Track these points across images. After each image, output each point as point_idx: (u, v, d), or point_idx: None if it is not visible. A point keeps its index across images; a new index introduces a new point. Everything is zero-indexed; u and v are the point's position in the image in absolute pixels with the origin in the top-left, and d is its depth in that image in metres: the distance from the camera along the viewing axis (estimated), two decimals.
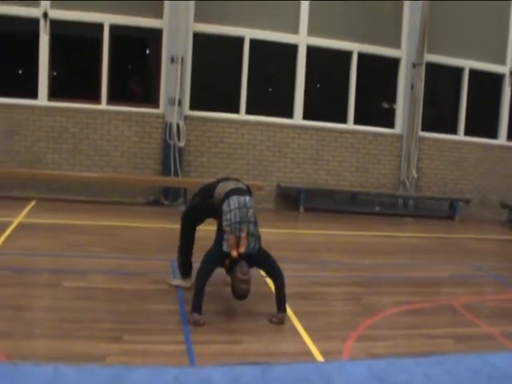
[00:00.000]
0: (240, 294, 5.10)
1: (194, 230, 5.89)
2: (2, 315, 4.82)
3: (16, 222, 8.38)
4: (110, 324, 4.85)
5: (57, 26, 10.70)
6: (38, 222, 8.58)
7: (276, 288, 5.32)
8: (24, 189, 10.58)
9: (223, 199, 5.36)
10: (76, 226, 8.61)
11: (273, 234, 7.99)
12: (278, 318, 5.20)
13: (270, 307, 5.32)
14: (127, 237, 8.26)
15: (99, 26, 10.89)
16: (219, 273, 5.53)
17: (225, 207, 5.28)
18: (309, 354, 4.61)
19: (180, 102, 11.01)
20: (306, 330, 5.08)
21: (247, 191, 5.54)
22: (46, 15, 10.51)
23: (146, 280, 6.19)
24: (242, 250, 5.11)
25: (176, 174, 11.06)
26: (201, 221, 5.88)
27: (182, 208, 10.37)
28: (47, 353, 4.18)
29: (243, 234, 5.14)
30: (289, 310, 5.39)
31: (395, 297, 6.43)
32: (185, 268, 5.96)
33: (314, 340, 4.85)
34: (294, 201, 11.86)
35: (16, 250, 6.85)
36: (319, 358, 4.51)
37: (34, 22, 10.55)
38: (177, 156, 11.07)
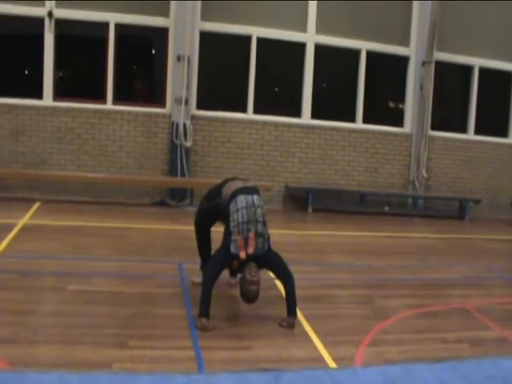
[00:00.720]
0: (249, 296, 4.95)
1: (208, 231, 5.83)
2: (5, 320, 4.71)
3: (21, 223, 8.29)
4: (115, 329, 4.73)
5: (62, 25, 10.64)
6: (43, 224, 8.49)
7: (286, 291, 5.17)
8: (29, 190, 10.50)
9: (230, 199, 5.22)
10: (81, 227, 8.52)
11: (281, 235, 7.88)
12: (288, 322, 5.06)
13: (279, 311, 5.19)
14: (133, 239, 8.15)
15: (105, 25, 10.82)
16: (226, 275, 5.42)
17: (232, 207, 5.14)
18: (320, 359, 4.47)
19: (187, 102, 10.90)
20: (317, 334, 4.95)
21: (255, 190, 5.38)
22: (50, 14, 10.44)
23: (152, 283, 6.08)
24: (251, 251, 4.97)
25: (183, 175, 10.96)
26: (212, 223, 5.78)
27: (189, 209, 10.36)
28: (51, 360, 4.06)
29: (251, 235, 4.99)
30: (299, 314, 5.26)
31: (407, 299, 6.29)
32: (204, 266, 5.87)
33: (325, 345, 4.72)
34: (303, 201, 11.74)
35: (20, 253, 6.74)
36: (331, 363, 4.38)
37: (38, 22, 10.48)
38: (183, 156, 10.96)
